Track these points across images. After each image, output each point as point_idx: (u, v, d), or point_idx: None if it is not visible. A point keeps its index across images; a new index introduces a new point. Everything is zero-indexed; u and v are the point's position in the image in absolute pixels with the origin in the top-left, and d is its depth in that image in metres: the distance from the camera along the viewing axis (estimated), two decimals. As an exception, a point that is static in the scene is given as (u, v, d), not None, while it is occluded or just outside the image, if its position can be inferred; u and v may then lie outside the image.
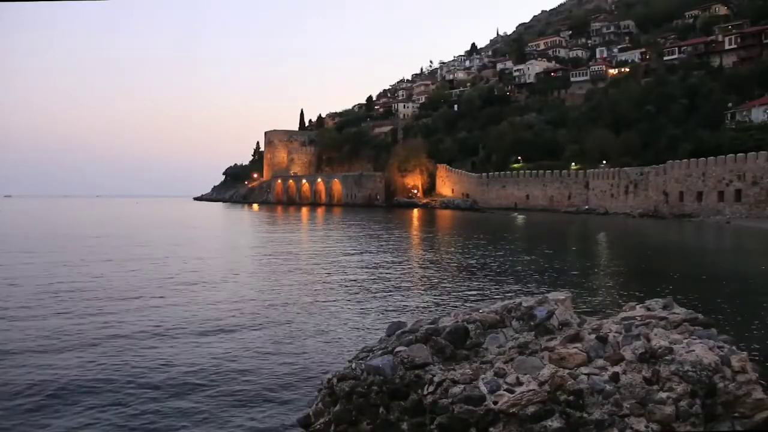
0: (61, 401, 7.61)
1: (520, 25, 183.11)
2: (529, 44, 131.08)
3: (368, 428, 4.98)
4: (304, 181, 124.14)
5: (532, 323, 5.25)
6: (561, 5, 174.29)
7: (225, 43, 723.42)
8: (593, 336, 4.95)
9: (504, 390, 4.61)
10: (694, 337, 4.82)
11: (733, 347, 4.71)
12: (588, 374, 4.56)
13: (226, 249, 30.67)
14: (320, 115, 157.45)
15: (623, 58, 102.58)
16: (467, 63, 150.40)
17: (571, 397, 4.46)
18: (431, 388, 4.82)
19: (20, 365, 9.15)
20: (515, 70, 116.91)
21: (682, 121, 70.71)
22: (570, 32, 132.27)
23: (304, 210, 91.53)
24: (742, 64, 79.06)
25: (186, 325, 11.99)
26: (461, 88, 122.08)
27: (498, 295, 15.36)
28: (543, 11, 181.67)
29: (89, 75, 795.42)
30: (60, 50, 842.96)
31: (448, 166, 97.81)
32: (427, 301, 14.96)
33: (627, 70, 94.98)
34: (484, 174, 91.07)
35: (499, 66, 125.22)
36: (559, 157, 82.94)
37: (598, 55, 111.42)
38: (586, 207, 73.58)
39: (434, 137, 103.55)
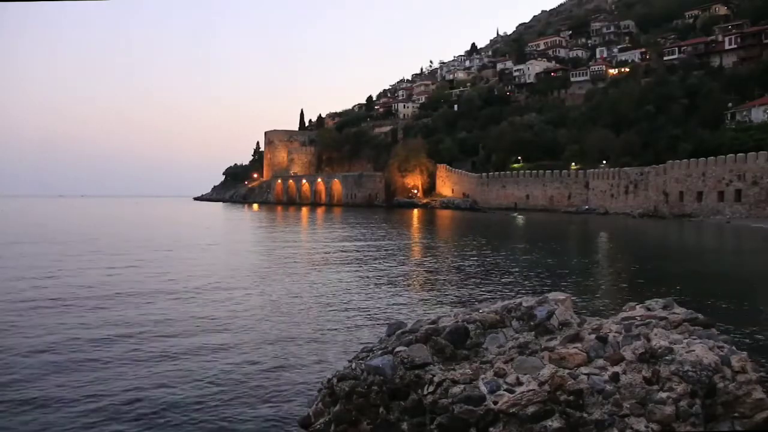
0: (57, 404, 7.61)
1: (520, 25, 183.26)
2: (529, 44, 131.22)
3: (368, 428, 4.98)
4: (304, 181, 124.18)
5: (532, 323, 5.25)
6: (561, 5, 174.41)
7: (225, 44, 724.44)
8: (593, 336, 4.95)
9: (504, 390, 4.61)
10: (694, 337, 4.82)
11: (733, 347, 4.71)
12: (588, 374, 4.56)
13: (226, 249, 30.65)
14: (320, 115, 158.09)
15: (623, 58, 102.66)
16: (467, 63, 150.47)
17: (571, 397, 4.46)
18: (431, 388, 4.82)
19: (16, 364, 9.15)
20: (515, 70, 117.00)
21: (682, 121, 70.77)
22: (570, 32, 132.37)
23: (304, 210, 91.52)
24: (742, 64, 79.12)
25: (185, 325, 11.99)
26: (461, 88, 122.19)
27: (498, 295, 15.35)
28: (543, 11, 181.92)
29: (88, 75, 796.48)
30: (58, 50, 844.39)
31: (448, 166, 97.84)
32: (427, 301, 14.96)
33: (627, 70, 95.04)
34: (484, 174, 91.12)
35: (499, 66, 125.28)
36: (559, 157, 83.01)
37: (598, 55, 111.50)
38: (586, 207, 73.59)
39: (434, 137, 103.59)
